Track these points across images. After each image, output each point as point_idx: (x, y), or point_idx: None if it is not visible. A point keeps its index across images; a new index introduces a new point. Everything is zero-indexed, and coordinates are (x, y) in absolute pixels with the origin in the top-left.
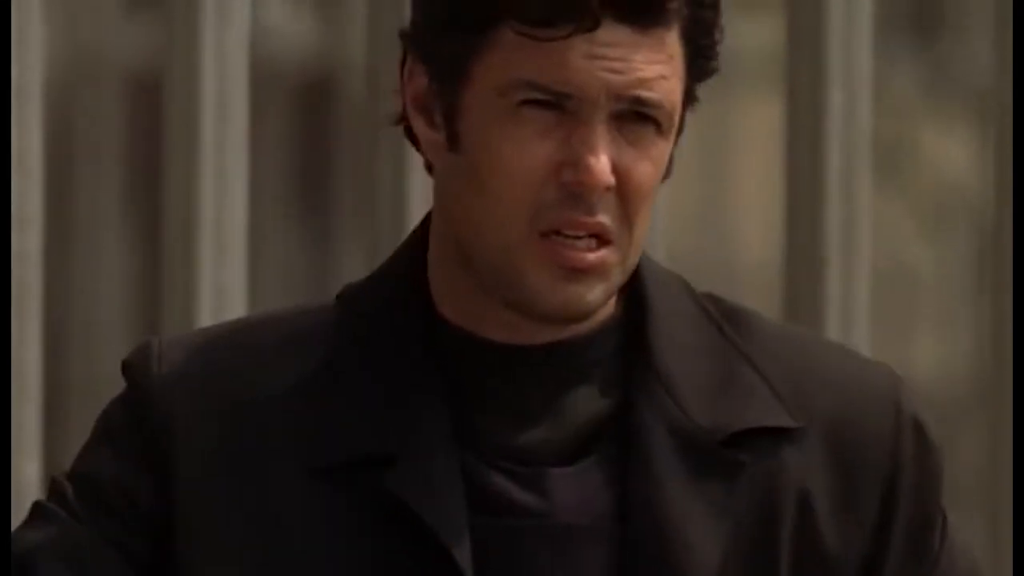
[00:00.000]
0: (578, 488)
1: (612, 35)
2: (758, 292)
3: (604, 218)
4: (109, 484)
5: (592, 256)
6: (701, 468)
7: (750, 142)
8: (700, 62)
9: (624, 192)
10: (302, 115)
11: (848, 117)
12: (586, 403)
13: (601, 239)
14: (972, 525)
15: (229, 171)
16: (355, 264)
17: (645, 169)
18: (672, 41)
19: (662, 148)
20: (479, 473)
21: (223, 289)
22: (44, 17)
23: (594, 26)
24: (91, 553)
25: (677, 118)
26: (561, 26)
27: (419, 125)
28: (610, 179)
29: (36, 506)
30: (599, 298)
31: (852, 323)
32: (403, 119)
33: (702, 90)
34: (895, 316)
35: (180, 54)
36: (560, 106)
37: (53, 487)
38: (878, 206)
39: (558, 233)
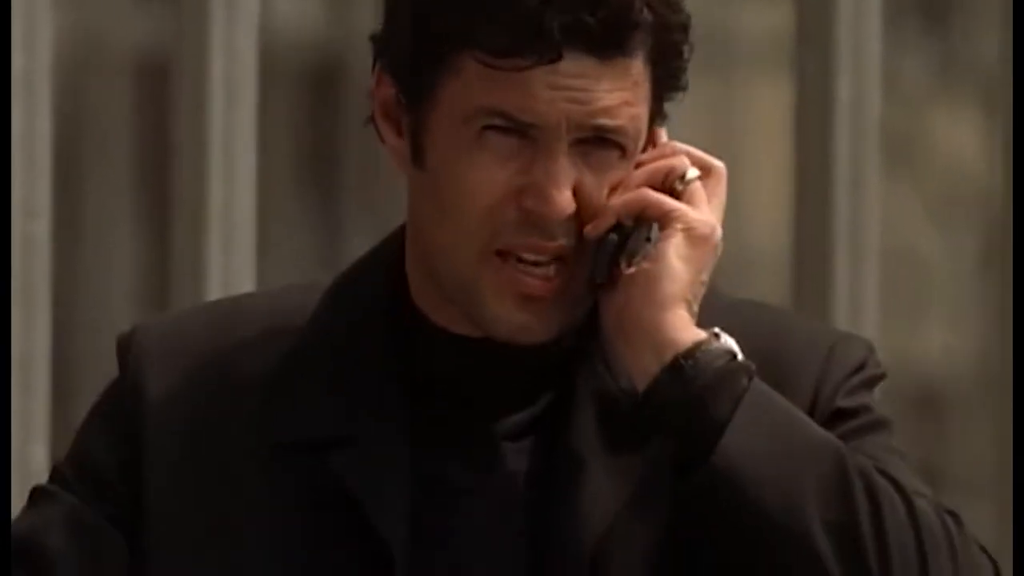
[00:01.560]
0: (520, 462)
1: (575, 66)
2: (767, 278)
3: (563, 241)
4: (100, 464)
5: (547, 284)
6: (616, 431)
7: (759, 129)
8: (668, 82)
9: (585, 215)
10: (310, 101)
11: (857, 104)
12: (541, 384)
13: (561, 262)
14: (977, 511)
15: (238, 158)
16: (363, 250)
17: (604, 194)
18: (637, 68)
19: (623, 172)
20: (426, 455)
21: (231, 275)
22: (52, 4)
23: (556, 58)
24: (93, 530)
25: (642, 140)
26: (524, 57)
27: (386, 132)
28: (570, 208)
29: (36, 490)
30: (554, 323)
31: (860, 309)
32: (375, 120)
33: (712, 76)
34: (903, 302)
35: (189, 41)
36: (523, 133)
37: (53, 472)
38: (886, 193)
39: (519, 260)
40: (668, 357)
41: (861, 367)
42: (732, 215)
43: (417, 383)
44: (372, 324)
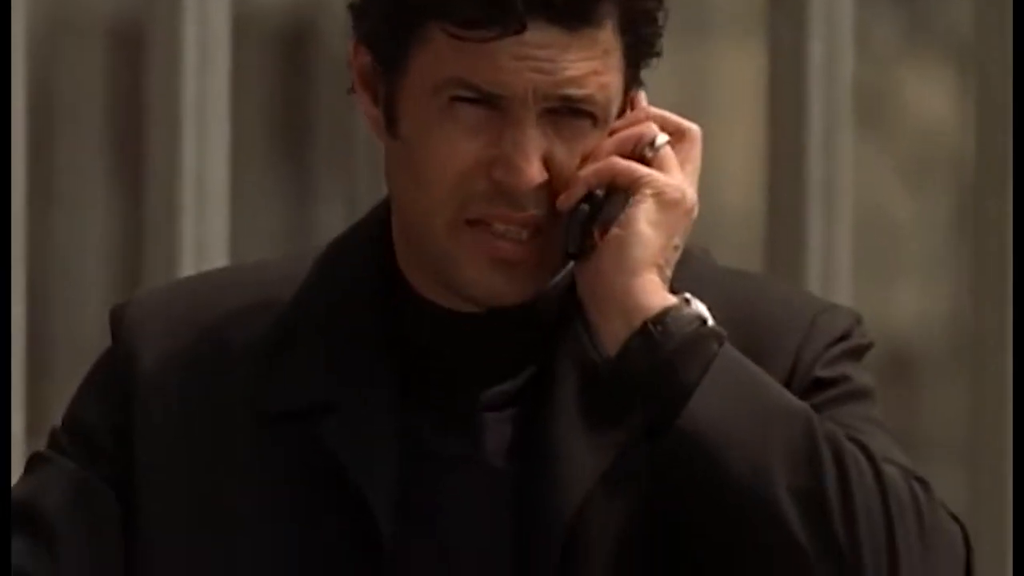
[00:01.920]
0: (503, 432)
1: (541, 36)
2: (740, 242)
3: (535, 210)
4: (95, 430)
5: (521, 249)
6: (597, 402)
7: (731, 93)
8: (641, 48)
9: (556, 185)
10: (282, 66)
11: (830, 67)
12: (527, 352)
13: (533, 229)
14: (950, 475)
15: (210, 124)
16: (334, 217)
17: (576, 164)
18: (606, 37)
19: (596, 141)
20: (413, 423)
21: (205, 242)
22: None
23: (521, 29)
24: (91, 493)
25: (615, 108)
26: (489, 28)
27: (364, 100)
28: (539, 178)
29: (35, 456)
30: (529, 286)
31: (833, 273)
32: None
33: (682, 41)
34: (876, 265)
35: (162, 5)
36: (491, 104)
37: (51, 437)
38: (859, 155)
39: (489, 225)
40: (637, 322)
41: (844, 337)
42: (706, 177)
43: (405, 353)
44: (360, 295)
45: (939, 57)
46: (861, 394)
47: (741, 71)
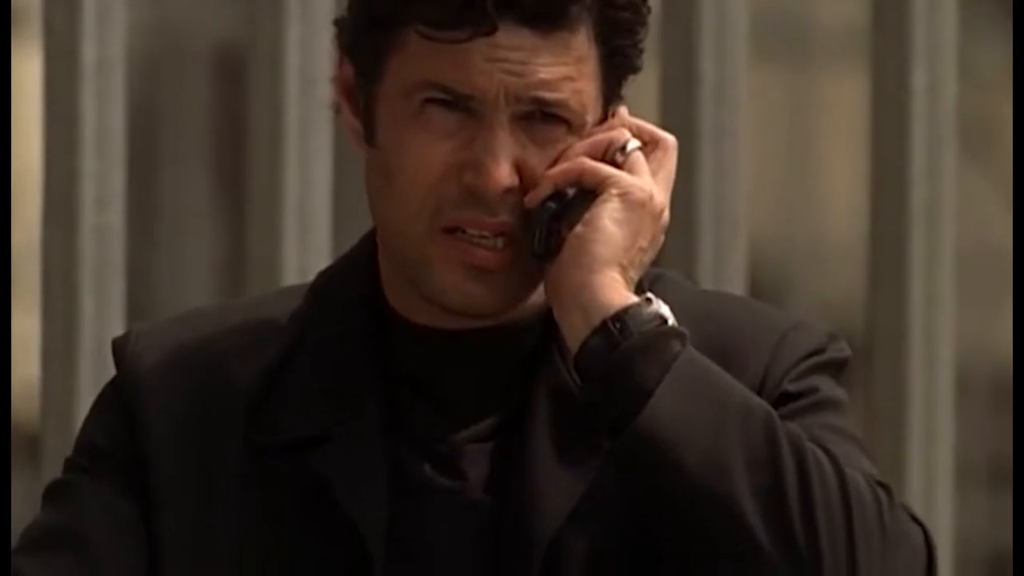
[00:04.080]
0: (490, 464)
1: (513, 38)
2: (843, 271)
3: (506, 217)
4: (111, 452)
5: (495, 256)
6: (572, 430)
7: (835, 120)
8: (618, 60)
9: (528, 191)
10: None
11: (933, 95)
12: (511, 384)
13: (507, 237)
14: None
15: (310, 150)
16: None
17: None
18: (580, 44)
19: (571, 145)
20: (402, 455)
21: (307, 268)
22: None
23: (492, 30)
24: (119, 507)
25: (592, 118)
26: (461, 29)
27: (346, 113)
28: (509, 181)
29: (56, 485)
30: (506, 296)
31: (935, 301)
32: (339, 107)
33: (787, 66)
34: (979, 295)
35: (265, 30)
36: (464, 107)
37: (68, 464)
38: (963, 184)
39: (463, 231)
40: (597, 320)
41: (815, 353)
42: (809, 208)
43: (394, 384)
44: (349, 326)
45: None
46: (830, 404)
47: (843, 99)
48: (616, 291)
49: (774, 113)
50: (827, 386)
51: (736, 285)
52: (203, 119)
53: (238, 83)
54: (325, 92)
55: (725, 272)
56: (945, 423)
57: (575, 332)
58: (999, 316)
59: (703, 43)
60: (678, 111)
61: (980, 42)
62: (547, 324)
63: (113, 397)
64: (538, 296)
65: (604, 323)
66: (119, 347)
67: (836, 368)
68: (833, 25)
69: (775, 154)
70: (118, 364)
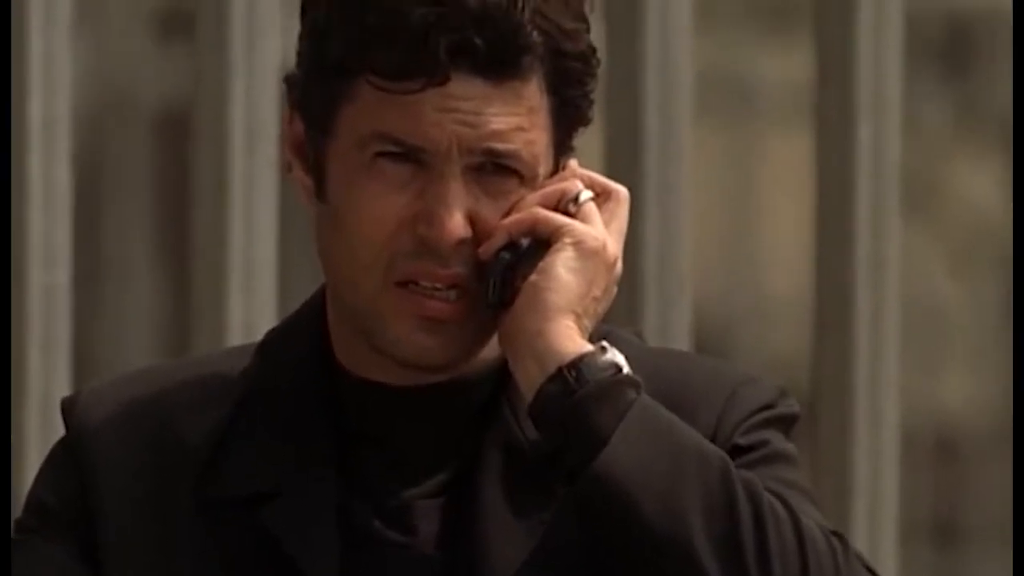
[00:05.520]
0: (441, 519)
1: (466, 88)
2: (788, 326)
3: (460, 268)
4: (59, 512)
5: (448, 307)
6: (524, 483)
7: (779, 176)
8: (568, 111)
9: (482, 242)
10: None
11: (878, 151)
12: (462, 438)
13: (460, 289)
14: (997, 557)
15: (255, 206)
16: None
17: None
18: (531, 93)
19: (523, 197)
20: (354, 509)
21: (252, 325)
22: (72, 48)
23: (445, 80)
24: (69, 568)
25: (543, 169)
26: (413, 79)
27: (297, 170)
28: (462, 233)
29: (9, 543)
30: (460, 348)
31: (880, 357)
32: (291, 166)
33: (732, 121)
34: (924, 351)
35: (209, 86)
36: (415, 159)
37: (17, 526)
38: (907, 240)
39: (416, 283)
40: (552, 367)
41: (765, 408)
42: (752, 263)
43: (345, 439)
44: (300, 383)
45: (989, 141)
46: (781, 457)
47: (787, 154)
48: (571, 339)
49: (718, 168)
50: (777, 440)
51: (681, 340)
52: (148, 175)
53: (183, 139)
54: (270, 148)
55: (670, 327)
56: (889, 479)
57: (530, 379)
58: (943, 375)
59: (648, 98)
60: (623, 166)
61: (924, 98)
62: (498, 379)
63: (63, 454)
64: (489, 351)
65: (560, 371)
66: (67, 407)
67: (786, 423)
68: (778, 80)
69: (719, 209)
70: (67, 422)
